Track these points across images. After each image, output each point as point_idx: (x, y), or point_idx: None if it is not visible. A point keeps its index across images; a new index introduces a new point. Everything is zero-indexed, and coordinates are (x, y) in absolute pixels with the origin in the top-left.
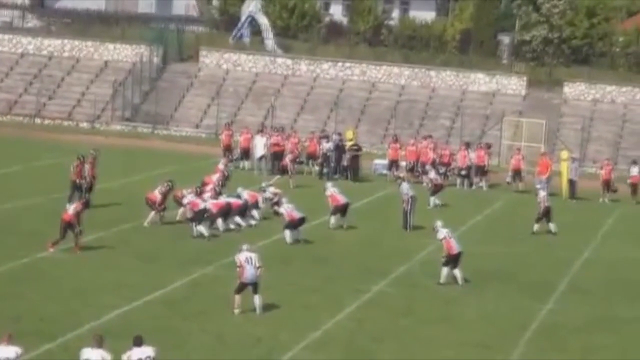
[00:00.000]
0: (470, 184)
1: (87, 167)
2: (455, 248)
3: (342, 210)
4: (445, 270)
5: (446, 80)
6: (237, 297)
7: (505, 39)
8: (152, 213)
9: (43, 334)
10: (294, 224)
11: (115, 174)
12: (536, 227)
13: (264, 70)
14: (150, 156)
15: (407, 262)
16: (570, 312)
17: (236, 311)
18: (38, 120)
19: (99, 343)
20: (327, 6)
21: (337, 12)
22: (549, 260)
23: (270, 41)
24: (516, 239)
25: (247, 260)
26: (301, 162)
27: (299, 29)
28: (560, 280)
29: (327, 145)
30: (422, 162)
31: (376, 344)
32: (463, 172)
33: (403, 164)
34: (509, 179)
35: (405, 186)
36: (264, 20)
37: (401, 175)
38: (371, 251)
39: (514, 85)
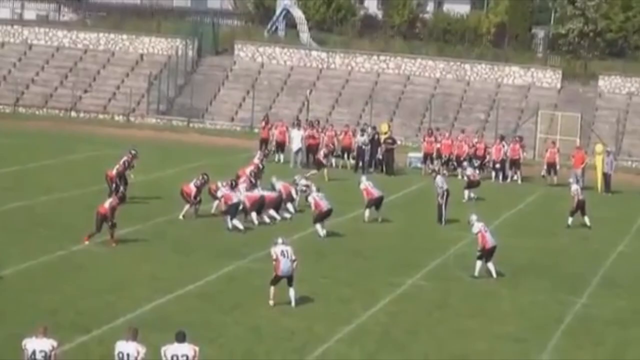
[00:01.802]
0: (505, 178)
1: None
2: (490, 242)
3: (376, 203)
4: (479, 264)
5: (481, 73)
6: (273, 289)
7: (540, 32)
8: (187, 206)
9: (78, 327)
10: (322, 217)
11: (151, 167)
12: (570, 220)
13: (298, 63)
14: (185, 149)
15: (441, 255)
16: (604, 305)
17: (271, 302)
18: (73, 114)
19: (134, 336)
20: None
21: (372, 5)
22: (583, 254)
23: (305, 34)
24: (550, 232)
25: (283, 254)
26: (337, 156)
27: (334, 22)
28: (594, 274)
29: (361, 139)
30: (457, 156)
31: (410, 337)
32: (497, 166)
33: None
34: (544, 173)
35: (439, 179)
36: (298, 14)
37: (436, 168)
38: (405, 244)
39: (549, 78)
